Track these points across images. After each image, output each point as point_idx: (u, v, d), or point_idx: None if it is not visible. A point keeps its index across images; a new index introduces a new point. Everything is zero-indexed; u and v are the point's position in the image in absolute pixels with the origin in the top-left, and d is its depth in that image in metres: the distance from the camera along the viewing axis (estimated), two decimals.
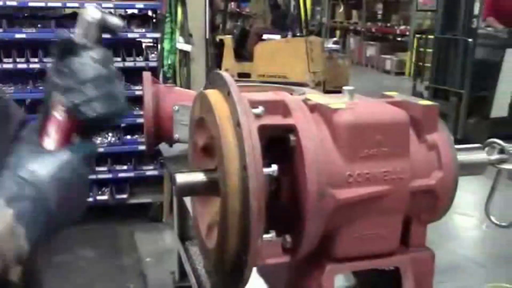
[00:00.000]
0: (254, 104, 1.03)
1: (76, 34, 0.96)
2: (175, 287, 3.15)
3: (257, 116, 1.02)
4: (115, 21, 1.00)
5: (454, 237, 1.70)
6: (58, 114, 0.93)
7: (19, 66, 4.36)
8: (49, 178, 0.84)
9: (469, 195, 1.91)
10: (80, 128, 0.95)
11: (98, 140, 4.45)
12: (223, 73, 1.06)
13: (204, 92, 1.07)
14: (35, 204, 0.82)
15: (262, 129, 1.00)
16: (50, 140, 0.92)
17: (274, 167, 1.02)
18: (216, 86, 1.07)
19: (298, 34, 7.82)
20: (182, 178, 1.05)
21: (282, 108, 1.07)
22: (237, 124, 0.95)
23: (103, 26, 0.97)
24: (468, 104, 6.64)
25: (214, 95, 1.04)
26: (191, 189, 1.07)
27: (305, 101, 1.14)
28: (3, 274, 0.79)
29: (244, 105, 0.98)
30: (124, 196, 4.62)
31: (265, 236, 1.02)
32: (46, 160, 0.87)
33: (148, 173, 4.66)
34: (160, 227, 4.40)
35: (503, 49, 6.65)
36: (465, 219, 1.84)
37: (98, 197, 4.52)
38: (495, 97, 6.70)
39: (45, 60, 4.31)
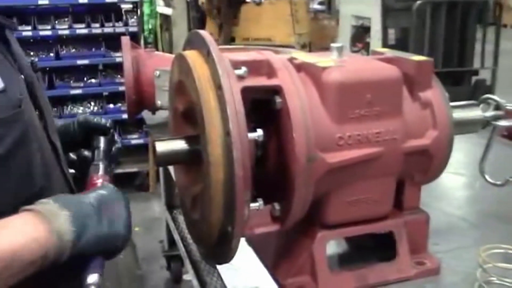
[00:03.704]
0: (236, 64, 0.96)
1: None
2: (164, 255, 3.11)
3: (240, 77, 0.95)
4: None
5: (447, 197, 1.67)
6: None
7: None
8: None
9: (460, 154, 1.87)
10: None
11: (80, 109, 4.35)
12: (202, 31, 0.98)
13: (182, 53, 1.00)
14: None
15: (246, 91, 0.92)
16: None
17: (260, 132, 0.95)
18: (195, 47, 0.99)
19: None
20: (162, 146, 0.98)
21: (266, 68, 1.00)
22: (218, 87, 0.88)
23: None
24: None
25: (192, 56, 0.96)
26: (172, 158, 1.00)
27: (291, 60, 1.07)
28: None
29: (226, 65, 0.90)
30: None
31: (252, 205, 0.97)
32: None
33: (133, 142, 4.58)
34: (147, 196, 4.34)
35: None
36: (457, 178, 1.80)
37: None
38: None
39: None
